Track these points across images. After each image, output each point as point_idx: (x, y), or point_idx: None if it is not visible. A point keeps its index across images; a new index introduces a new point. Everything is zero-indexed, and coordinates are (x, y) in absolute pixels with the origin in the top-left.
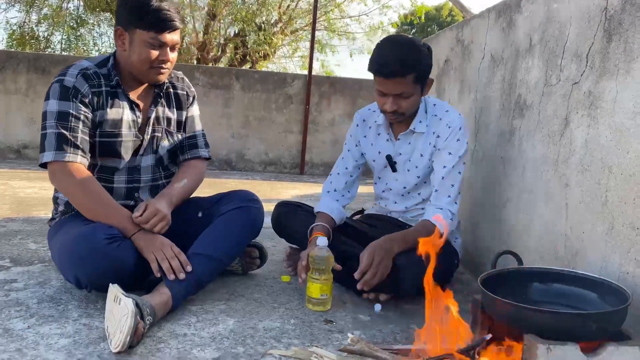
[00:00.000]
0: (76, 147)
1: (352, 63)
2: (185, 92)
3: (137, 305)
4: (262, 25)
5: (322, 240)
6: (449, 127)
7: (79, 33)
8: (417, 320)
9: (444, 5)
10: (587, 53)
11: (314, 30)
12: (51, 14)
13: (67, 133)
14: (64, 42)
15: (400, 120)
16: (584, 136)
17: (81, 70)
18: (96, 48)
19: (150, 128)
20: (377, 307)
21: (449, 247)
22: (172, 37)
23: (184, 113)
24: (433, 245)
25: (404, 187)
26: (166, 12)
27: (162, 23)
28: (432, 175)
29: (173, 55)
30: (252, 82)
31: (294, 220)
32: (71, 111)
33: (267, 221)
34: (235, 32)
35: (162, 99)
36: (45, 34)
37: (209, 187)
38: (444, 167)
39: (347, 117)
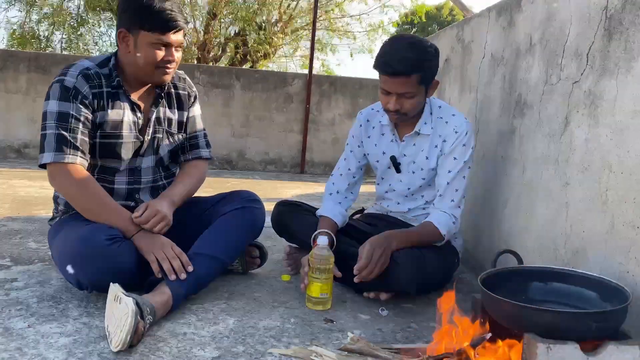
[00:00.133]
0: (76, 148)
1: (352, 62)
2: (186, 92)
3: (137, 304)
4: (263, 25)
5: (322, 240)
6: (456, 132)
7: (79, 32)
8: (417, 320)
9: (445, 5)
10: (587, 52)
11: (314, 29)
12: (51, 13)
13: (66, 134)
14: (64, 42)
15: (402, 121)
16: (584, 135)
17: (82, 70)
18: (97, 47)
19: (151, 129)
20: (384, 312)
21: (450, 246)
22: (176, 37)
23: (186, 113)
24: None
25: (408, 189)
26: (170, 13)
27: (167, 23)
28: (436, 179)
29: (178, 55)
30: (252, 81)
31: (294, 219)
32: (71, 112)
33: (267, 220)
34: (235, 31)
35: (164, 100)
36: (46, 33)
37: (209, 187)
38: (449, 171)
39: (348, 116)
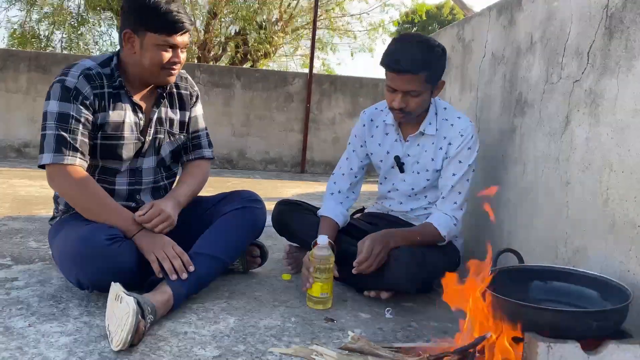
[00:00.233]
0: (75, 149)
1: (353, 62)
2: (188, 92)
3: (138, 303)
4: (263, 24)
5: (322, 239)
6: (462, 135)
7: (79, 32)
8: (418, 318)
9: (445, 4)
10: (588, 51)
11: (314, 28)
12: (52, 13)
13: (66, 135)
14: (64, 41)
15: (407, 120)
16: (584, 134)
17: (83, 70)
18: (97, 47)
19: (153, 129)
20: (390, 314)
21: (451, 245)
22: (183, 38)
23: (187, 113)
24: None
25: (412, 189)
26: (176, 14)
27: (174, 25)
28: (439, 181)
29: (183, 56)
30: (252, 80)
31: (294, 219)
32: (71, 113)
33: (268, 220)
34: (236, 30)
35: (165, 100)
36: (46, 32)
37: (210, 186)
38: (454, 174)
39: (348, 115)
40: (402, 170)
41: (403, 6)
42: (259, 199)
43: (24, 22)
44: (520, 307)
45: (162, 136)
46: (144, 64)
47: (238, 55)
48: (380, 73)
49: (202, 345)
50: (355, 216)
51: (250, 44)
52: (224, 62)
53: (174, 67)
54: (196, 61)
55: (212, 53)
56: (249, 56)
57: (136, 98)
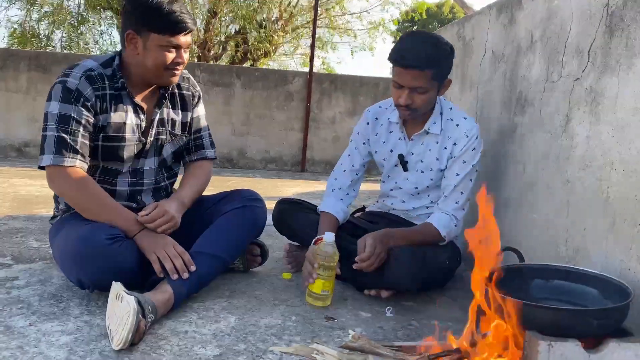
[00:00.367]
0: (75, 151)
1: (353, 60)
2: (190, 93)
3: (139, 302)
4: (263, 23)
5: (329, 236)
6: (467, 136)
7: (79, 31)
8: (418, 317)
9: (445, 2)
10: (588, 49)
11: (314, 27)
12: (52, 12)
13: (67, 137)
14: (64, 41)
15: (412, 117)
16: (585, 132)
17: (85, 71)
18: (97, 46)
19: (154, 130)
20: (391, 312)
21: (451, 245)
22: (186, 38)
23: (189, 114)
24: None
25: (415, 188)
26: (179, 14)
27: (176, 25)
28: (443, 180)
29: (186, 56)
30: (253, 79)
31: (295, 217)
32: (72, 115)
33: (268, 219)
34: (236, 29)
35: (167, 100)
36: (46, 32)
37: (210, 185)
38: (457, 174)
39: (348, 114)
40: (405, 169)
41: (403, 4)
42: (259, 198)
43: (24, 21)
44: (522, 306)
45: (163, 137)
46: (147, 65)
47: (238, 54)
48: (380, 72)
49: (202, 344)
50: (355, 215)
51: (250, 43)
52: (224, 61)
53: (177, 67)
54: (196, 60)
55: (212, 52)
56: (249, 55)
57: (138, 99)
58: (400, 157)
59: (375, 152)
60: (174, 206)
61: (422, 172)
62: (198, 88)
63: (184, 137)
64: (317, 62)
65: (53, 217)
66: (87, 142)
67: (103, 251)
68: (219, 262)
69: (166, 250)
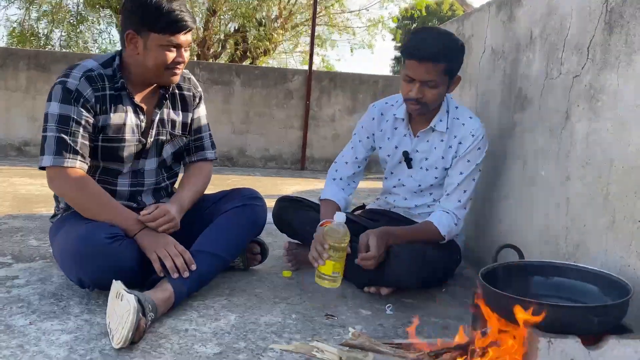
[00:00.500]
0: (75, 152)
1: (352, 58)
2: (191, 93)
3: (139, 301)
4: (262, 21)
5: (340, 216)
6: (473, 136)
7: (78, 30)
8: (418, 314)
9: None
10: (588, 46)
11: (314, 25)
12: (51, 11)
13: (67, 137)
14: (63, 39)
15: (421, 112)
16: (585, 129)
17: (85, 72)
18: (96, 45)
19: (154, 131)
20: (391, 310)
21: (452, 243)
22: (186, 37)
23: (190, 115)
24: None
25: (419, 185)
26: (179, 13)
27: (177, 24)
28: (446, 179)
29: (186, 55)
30: (252, 77)
31: (295, 215)
32: (72, 115)
33: (268, 217)
34: (235, 27)
35: (168, 101)
36: (45, 31)
37: (210, 184)
38: (461, 173)
39: (348, 112)
40: (409, 166)
41: (402, 2)
42: (259, 196)
43: (23, 20)
44: (521, 303)
45: (163, 138)
46: (147, 65)
47: (237, 52)
48: (379, 70)
49: (202, 342)
50: (355, 212)
51: (249, 41)
52: (223, 59)
53: (178, 66)
54: (195, 59)
55: (211, 50)
56: (248, 53)
57: (138, 99)
58: (405, 154)
59: (379, 147)
60: (174, 208)
61: (426, 169)
62: (199, 88)
63: (184, 138)
64: (316, 60)
65: (53, 216)
66: (87, 142)
67: (103, 250)
68: (219, 260)
69: (167, 249)
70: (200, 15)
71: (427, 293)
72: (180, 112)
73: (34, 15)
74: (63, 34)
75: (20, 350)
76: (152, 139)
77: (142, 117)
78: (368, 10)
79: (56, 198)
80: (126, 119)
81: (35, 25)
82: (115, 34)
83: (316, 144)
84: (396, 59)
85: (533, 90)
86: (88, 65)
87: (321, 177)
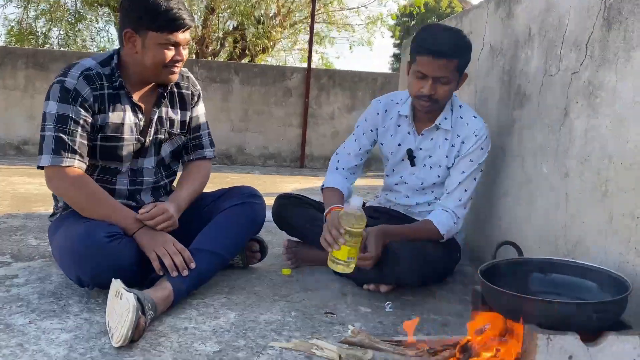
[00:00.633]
0: (74, 151)
1: (351, 55)
2: (190, 92)
3: (138, 300)
4: (261, 19)
5: (357, 200)
6: (476, 135)
7: (77, 28)
8: (418, 311)
9: None
10: (586, 42)
11: (312, 22)
12: (49, 10)
13: (65, 137)
14: (62, 38)
15: (431, 110)
16: (583, 126)
17: (83, 71)
18: (95, 44)
19: (153, 130)
20: (390, 307)
21: (452, 241)
22: (184, 36)
23: (189, 113)
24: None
25: (421, 183)
26: (177, 11)
27: (175, 23)
28: (447, 177)
29: (185, 53)
30: (251, 75)
31: (295, 213)
32: (70, 115)
33: (268, 215)
34: (234, 25)
35: (166, 99)
36: (44, 29)
37: (209, 182)
38: (463, 172)
39: (347, 110)
40: (413, 164)
41: None
42: (258, 194)
43: (21, 19)
44: (520, 299)
45: (162, 136)
46: (146, 64)
47: (236, 50)
48: (378, 67)
49: (202, 340)
50: None
51: (248, 39)
52: (222, 57)
53: (177, 65)
54: (194, 57)
55: (210, 48)
56: (247, 51)
57: (136, 98)
58: (409, 152)
59: (382, 144)
60: (172, 207)
61: (430, 167)
62: (198, 87)
63: (183, 137)
64: (315, 58)
65: (52, 215)
66: (85, 142)
67: (102, 249)
68: (219, 259)
69: (166, 247)
70: (199, 14)
71: (426, 290)
72: (178, 110)
73: (32, 13)
74: (61, 32)
75: (19, 349)
76: (150, 138)
77: (140, 115)
78: (367, 7)
79: (55, 197)
80: (125, 118)
81: (33, 24)
82: (114, 33)
83: (315, 141)
84: (395, 56)
85: (532, 87)
86: (86, 64)
87: (320, 175)
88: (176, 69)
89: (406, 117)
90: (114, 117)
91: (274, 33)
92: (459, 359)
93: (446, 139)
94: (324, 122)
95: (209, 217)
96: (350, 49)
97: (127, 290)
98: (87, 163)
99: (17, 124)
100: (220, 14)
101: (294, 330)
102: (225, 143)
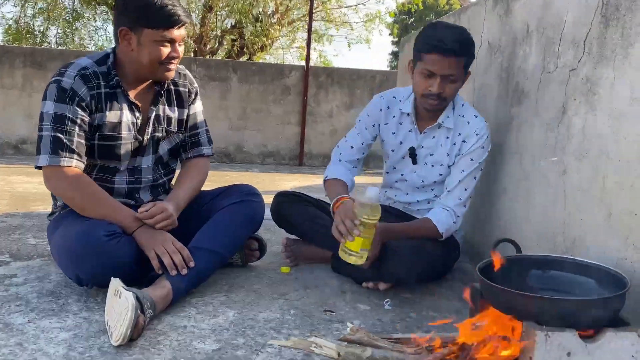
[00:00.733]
0: (72, 151)
1: (350, 53)
2: (187, 89)
3: (137, 298)
4: (259, 17)
5: (373, 190)
6: (477, 134)
7: (75, 27)
8: (416, 309)
9: None
10: (584, 39)
11: (310, 20)
12: (46, 8)
13: (62, 137)
14: (59, 37)
15: (438, 108)
16: (581, 123)
17: (80, 71)
18: (92, 42)
19: (150, 128)
20: (389, 305)
21: (451, 238)
22: (180, 32)
23: (186, 111)
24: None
25: (422, 181)
26: (172, 8)
27: (170, 19)
28: (447, 176)
29: (181, 50)
30: (249, 73)
31: (294, 210)
32: (68, 114)
33: (267, 213)
34: (232, 23)
35: (163, 97)
36: (41, 28)
37: (208, 180)
38: (463, 171)
39: (345, 108)
40: (414, 162)
41: None
42: (256, 192)
43: (18, 17)
44: (518, 296)
45: (160, 135)
46: (142, 61)
47: (234, 48)
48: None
49: (201, 338)
50: None
51: (246, 37)
52: (220, 55)
53: (173, 61)
54: (192, 55)
55: (208, 47)
56: (245, 49)
57: (133, 96)
58: (412, 149)
59: (383, 141)
60: (170, 207)
61: (431, 166)
62: (195, 84)
63: (180, 134)
64: (313, 55)
65: (51, 214)
66: (83, 141)
67: (101, 247)
68: (218, 257)
69: (165, 246)
70: (197, 12)
71: (425, 287)
72: (176, 108)
73: (29, 12)
74: (59, 31)
75: (19, 348)
76: (148, 136)
77: (137, 114)
78: (365, 5)
79: (54, 196)
80: (122, 116)
81: (31, 23)
82: (112, 31)
83: (314, 139)
84: (393, 53)
85: (530, 84)
86: (82, 64)
87: (319, 173)
88: (172, 66)
89: (408, 114)
90: (111, 116)
91: (272, 31)
92: (457, 356)
93: (448, 137)
94: (322, 120)
95: (207, 216)
96: (349, 46)
97: (126, 289)
98: (85, 162)
99: (15, 123)
100: (218, 12)
101: (293, 328)
102: (223, 141)
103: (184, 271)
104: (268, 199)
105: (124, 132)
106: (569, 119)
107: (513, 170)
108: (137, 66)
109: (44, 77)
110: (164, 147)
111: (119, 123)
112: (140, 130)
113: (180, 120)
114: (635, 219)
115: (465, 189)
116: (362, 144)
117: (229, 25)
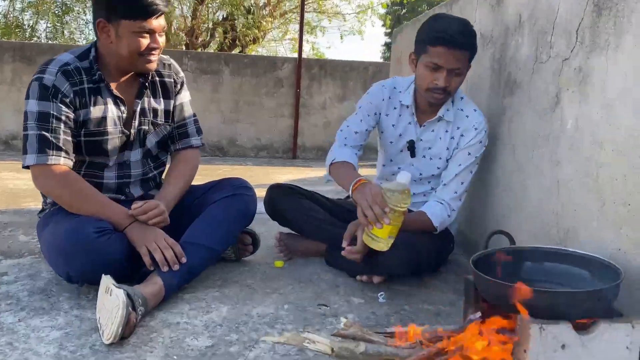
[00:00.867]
0: (58, 149)
1: (342, 45)
2: (172, 80)
3: (128, 296)
4: (251, 9)
5: (404, 176)
6: (475, 129)
7: (64, 21)
8: (411, 302)
9: None
10: (577, 29)
11: (302, 12)
12: (36, 2)
13: (48, 135)
14: (49, 31)
15: (443, 102)
16: (574, 113)
17: (61, 67)
18: (83, 36)
19: (137, 122)
20: (383, 298)
21: (445, 231)
22: (159, 22)
23: (172, 102)
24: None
25: (420, 174)
26: None
27: (147, 9)
28: (444, 170)
29: (162, 40)
30: (241, 66)
31: (287, 203)
32: (52, 112)
33: (260, 207)
34: (223, 16)
35: (148, 89)
36: (30, 22)
37: (200, 174)
38: (460, 164)
39: (338, 100)
40: (413, 155)
41: None
42: (248, 185)
43: (7, 12)
44: (512, 289)
45: (146, 127)
46: (121, 53)
47: (226, 41)
48: (369, 56)
49: (194, 335)
50: (349, 199)
51: (238, 30)
52: (212, 48)
53: (153, 52)
54: (184, 48)
55: (200, 39)
56: (237, 42)
57: (117, 90)
58: (411, 143)
59: (382, 132)
60: (161, 203)
61: (430, 159)
62: (182, 74)
63: (168, 126)
64: (306, 47)
65: (41, 211)
66: (69, 138)
67: (91, 244)
68: (210, 252)
69: (156, 242)
70: (188, 4)
71: (419, 280)
72: (161, 99)
73: (18, 6)
74: (49, 25)
75: (9, 347)
76: (135, 130)
77: (123, 108)
78: None
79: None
80: (107, 111)
81: (20, 17)
82: None
83: (307, 132)
84: (386, 45)
85: (522, 74)
86: (64, 60)
87: (313, 166)
88: (153, 57)
89: (407, 107)
90: (95, 111)
91: (264, 23)
92: (451, 350)
93: (447, 131)
94: (315, 112)
95: (199, 210)
96: (342, 38)
97: (116, 287)
98: (74, 159)
99: (5, 118)
100: (209, 4)
101: (287, 323)
102: (216, 135)
103: (176, 267)
104: (262, 193)
105: (110, 127)
106: (562, 109)
107: (506, 162)
108: (117, 59)
109: (33, 72)
110: (151, 140)
111: (104, 118)
112: (127, 124)
113: (166, 112)
114: (629, 210)
115: (462, 183)
116: (365, 130)
117: (220, 18)
